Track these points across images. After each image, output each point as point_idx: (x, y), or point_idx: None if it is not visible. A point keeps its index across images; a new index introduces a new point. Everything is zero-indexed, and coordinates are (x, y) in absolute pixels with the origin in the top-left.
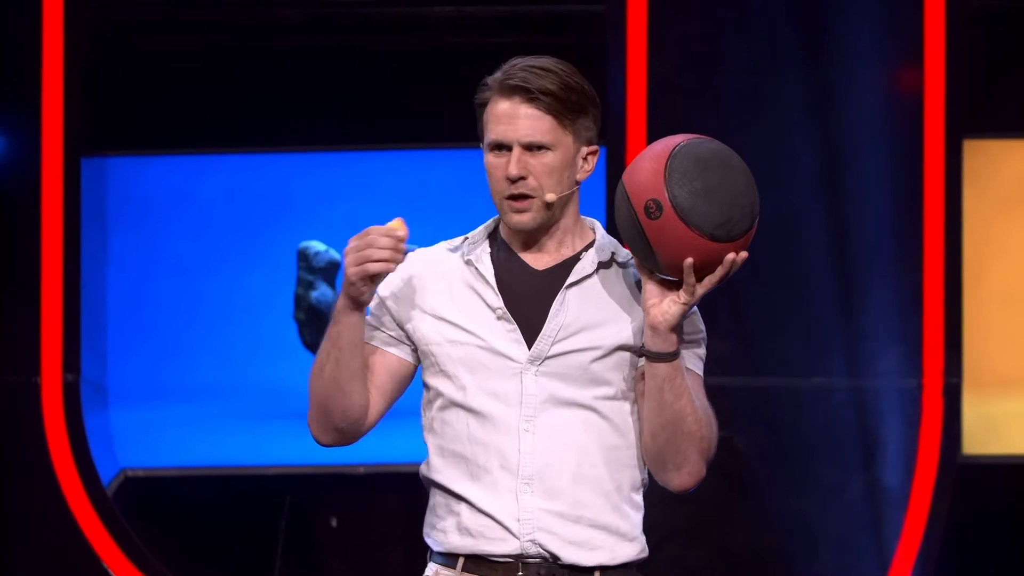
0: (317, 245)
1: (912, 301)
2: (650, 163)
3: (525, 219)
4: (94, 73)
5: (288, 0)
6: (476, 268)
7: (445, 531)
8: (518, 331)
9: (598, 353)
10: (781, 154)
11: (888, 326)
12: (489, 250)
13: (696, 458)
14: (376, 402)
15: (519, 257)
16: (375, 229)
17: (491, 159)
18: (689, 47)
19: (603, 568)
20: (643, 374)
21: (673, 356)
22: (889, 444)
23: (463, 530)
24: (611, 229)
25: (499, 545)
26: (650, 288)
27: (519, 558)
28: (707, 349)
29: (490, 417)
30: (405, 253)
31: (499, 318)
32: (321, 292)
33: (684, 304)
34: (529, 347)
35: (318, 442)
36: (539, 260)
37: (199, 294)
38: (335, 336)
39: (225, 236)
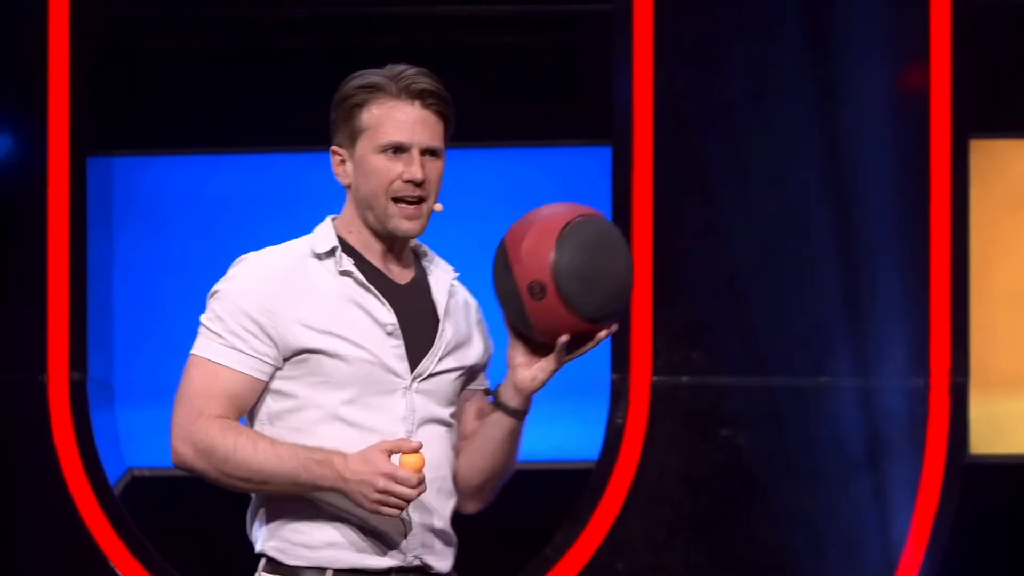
0: None
1: (918, 300)
2: (536, 241)
3: (416, 226)
4: (100, 72)
5: None
6: (355, 280)
7: (311, 546)
8: (403, 347)
9: (462, 372)
10: (787, 153)
11: (894, 325)
12: (352, 263)
13: (497, 488)
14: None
15: (380, 271)
16: (400, 479)
17: (383, 160)
18: (695, 46)
19: (449, 574)
20: (475, 409)
21: (525, 413)
22: (895, 443)
23: (338, 545)
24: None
25: (382, 559)
26: (519, 349)
27: (398, 571)
28: (715, 346)
29: (375, 432)
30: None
31: (389, 334)
32: None
33: (552, 372)
34: (411, 364)
35: (177, 464)
36: (398, 274)
37: (205, 293)
38: (295, 475)
39: (231, 235)
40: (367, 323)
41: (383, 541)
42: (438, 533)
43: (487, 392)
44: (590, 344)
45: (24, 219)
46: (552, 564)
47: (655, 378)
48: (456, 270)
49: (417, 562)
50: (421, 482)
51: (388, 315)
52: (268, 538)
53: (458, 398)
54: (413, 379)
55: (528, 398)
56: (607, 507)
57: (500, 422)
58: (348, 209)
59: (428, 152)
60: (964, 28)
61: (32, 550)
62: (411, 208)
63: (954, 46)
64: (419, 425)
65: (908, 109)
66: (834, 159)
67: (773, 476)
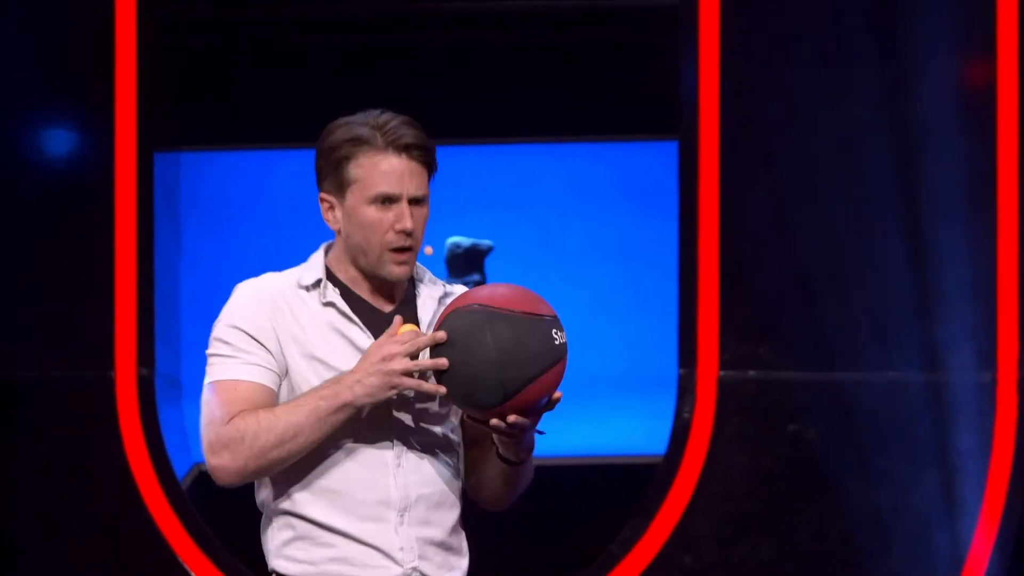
0: (463, 239)
1: (986, 295)
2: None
3: (405, 271)
4: (167, 69)
5: None
6: (338, 310)
7: (314, 562)
8: None
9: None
10: (853, 146)
11: (962, 320)
12: (338, 292)
13: (512, 499)
14: None
15: (362, 298)
16: (394, 336)
17: (374, 212)
18: (761, 40)
19: None
20: (474, 435)
21: (522, 462)
22: (963, 438)
23: (339, 560)
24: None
25: (381, 572)
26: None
27: None
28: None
29: (365, 454)
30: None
31: None
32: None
33: (506, 444)
34: None
35: (223, 478)
36: (384, 303)
37: None
38: (317, 411)
39: (297, 230)
40: (349, 351)
41: (381, 555)
42: (438, 545)
43: None
44: (498, 432)
45: (92, 215)
46: (619, 560)
47: (722, 373)
48: (448, 284)
49: (416, 574)
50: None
51: (367, 341)
52: (276, 556)
53: (454, 413)
54: (402, 401)
55: (520, 455)
56: (674, 502)
57: (494, 462)
58: (339, 249)
59: (414, 201)
60: None
61: (100, 544)
62: (403, 255)
63: (1021, 39)
64: (410, 445)
65: (976, 102)
66: (902, 153)
67: (840, 471)
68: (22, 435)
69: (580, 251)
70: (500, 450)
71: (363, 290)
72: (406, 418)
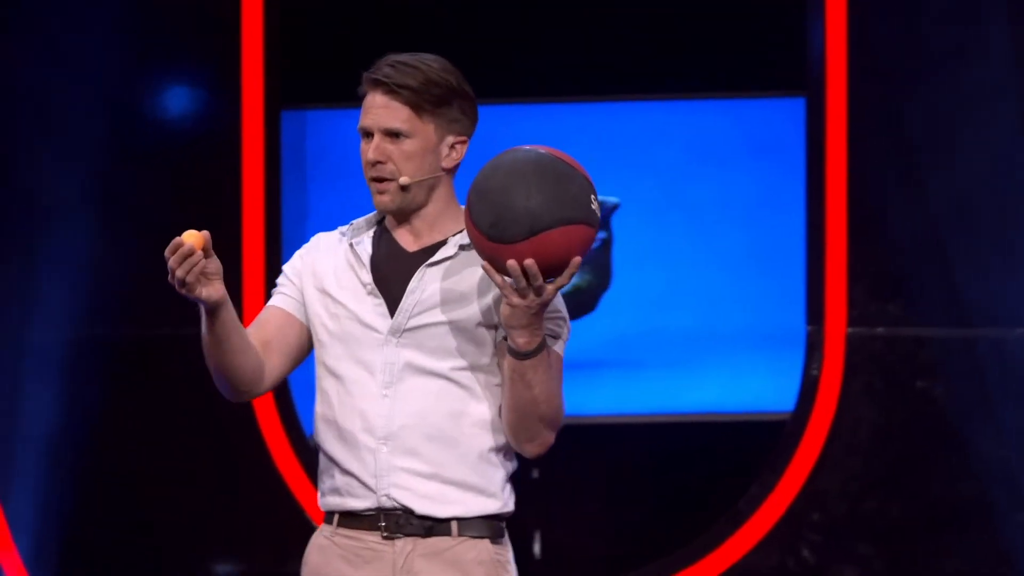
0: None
1: None
2: None
3: (385, 200)
4: (292, 26)
5: None
6: (355, 250)
7: (323, 493)
8: (384, 305)
9: (451, 328)
10: (983, 102)
11: None
12: (373, 234)
13: (545, 432)
14: (276, 363)
15: (395, 240)
16: (175, 247)
17: (362, 145)
18: None
19: (458, 520)
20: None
21: (523, 355)
22: None
23: (334, 490)
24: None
25: (361, 501)
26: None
27: (379, 511)
28: (911, 297)
29: (355, 383)
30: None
31: (369, 293)
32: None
33: (511, 304)
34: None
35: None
36: (412, 242)
37: None
38: (202, 331)
39: None
40: (354, 284)
41: (358, 483)
42: (426, 476)
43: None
44: (513, 277)
45: (220, 174)
46: (747, 516)
47: (850, 329)
48: None
49: (391, 503)
50: (193, 249)
51: (367, 276)
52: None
53: (483, 353)
54: (391, 333)
55: (521, 336)
56: (802, 459)
57: (507, 362)
58: None
59: (390, 134)
60: None
61: (230, 504)
62: (379, 185)
63: None
64: (400, 376)
65: None
66: None
67: (969, 428)
68: (156, 392)
69: (707, 208)
70: (508, 335)
71: (394, 228)
72: (399, 354)
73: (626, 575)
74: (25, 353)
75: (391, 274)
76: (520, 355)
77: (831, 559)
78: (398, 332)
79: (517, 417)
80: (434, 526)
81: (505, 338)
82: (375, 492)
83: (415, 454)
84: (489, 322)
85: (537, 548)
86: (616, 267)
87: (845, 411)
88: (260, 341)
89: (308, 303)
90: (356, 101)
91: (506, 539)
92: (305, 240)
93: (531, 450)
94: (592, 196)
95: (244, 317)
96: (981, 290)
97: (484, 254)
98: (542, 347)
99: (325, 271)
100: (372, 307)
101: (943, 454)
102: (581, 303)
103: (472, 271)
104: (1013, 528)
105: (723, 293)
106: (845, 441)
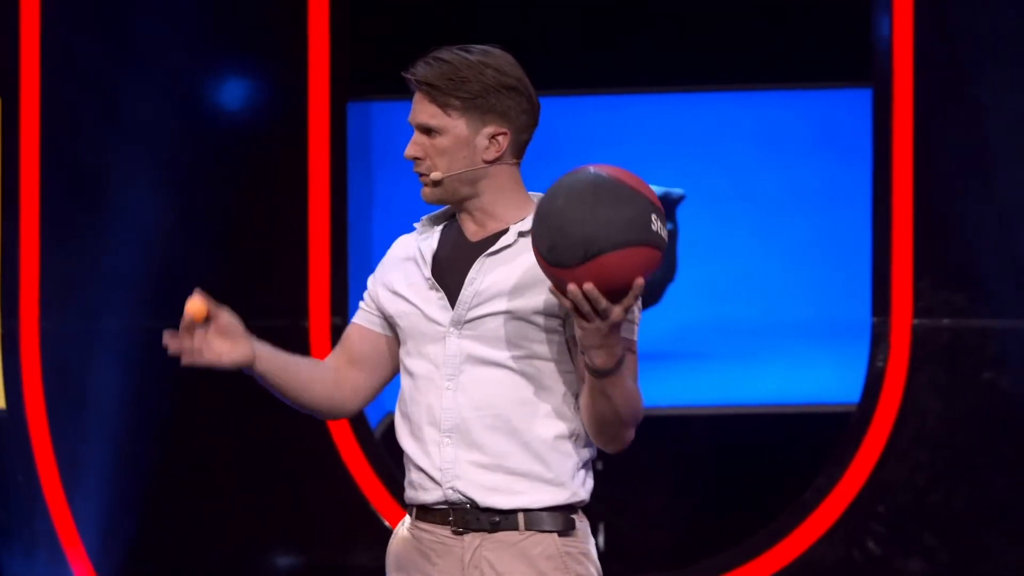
0: (654, 187)
1: None
2: None
3: (425, 193)
4: (359, 18)
5: None
6: (419, 246)
7: (405, 487)
8: (445, 298)
9: (512, 317)
10: None
11: None
12: (442, 227)
13: (626, 432)
14: (365, 378)
15: (462, 231)
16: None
17: None
18: None
19: (525, 511)
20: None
21: (599, 374)
22: None
23: (411, 484)
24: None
25: (430, 494)
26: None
27: (448, 505)
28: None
29: (423, 378)
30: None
31: (430, 288)
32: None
33: (582, 328)
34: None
35: None
36: (476, 232)
37: None
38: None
39: None
40: (419, 279)
41: (426, 477)
42: (488, 468)
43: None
44: (575, 301)
45: (286, 166)
46: (813, 508)
47: (916, 321)
48: None
49: (457, 496)
50: (194, 319)
51: (427, 270)
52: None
53: (545, 342)
54: (452, 325)
55: (599, 357)
56: (868, 450)
57: (586, 376)
58: None
59: (424, 129)
60: None
61: (294, 493)
62: (421, 179)
63: None
64: (461, 368)
65: None
66: None
67: None
68: (224, 385)
69: (772, 199)
70: (583, 353)
71: (461, 221)
72: (461, 346)
73: (691, 567)
74: (95, 343)
75: (453, 266)
76: (599, 373)
77: (896, 551)
78: (459, 324)
79: (598, 425)
80: (501, 521)
81: (577, 344)
82: (441, 485)
83: (478, 446)
84: (551, 311)
85: (602, 539)
86: (681, 259)
87: (910, 403)
88: (347, 360)
89: (385, 308)
90: None
91: (580, 529)
92: (370, 232)
93: (613, 448)
94: (654, 216)
95: (310, 309)
96: None
97: (548, 277)
98: (621, 363)
99: (396, 273)
100: (435, 301)
101: (1009, 446)
102: (646, 295)
103: (532, 258)
104: None
105: (788, 285)
106: (911, 433)
